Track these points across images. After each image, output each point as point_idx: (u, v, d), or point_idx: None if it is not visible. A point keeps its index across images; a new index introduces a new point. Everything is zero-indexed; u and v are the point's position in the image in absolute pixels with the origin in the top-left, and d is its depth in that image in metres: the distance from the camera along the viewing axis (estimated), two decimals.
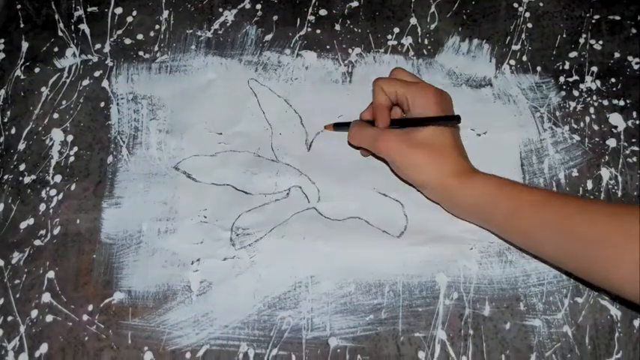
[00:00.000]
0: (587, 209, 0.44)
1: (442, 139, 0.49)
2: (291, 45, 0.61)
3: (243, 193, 0.55)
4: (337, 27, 0.62)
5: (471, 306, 0.50)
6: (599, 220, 0.43)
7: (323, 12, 0.63)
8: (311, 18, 0.63)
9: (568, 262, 0.46)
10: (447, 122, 0.50)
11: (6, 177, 0.55)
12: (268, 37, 0.62)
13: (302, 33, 0.62)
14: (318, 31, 0.62)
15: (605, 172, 0.55)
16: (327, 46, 0.61)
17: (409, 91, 0.51)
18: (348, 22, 0.63)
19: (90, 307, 0.50)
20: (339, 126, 0.56)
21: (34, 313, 0.50)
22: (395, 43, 0.61)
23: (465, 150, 0.52)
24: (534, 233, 0.46)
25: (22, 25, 0.63)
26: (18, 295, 0.51)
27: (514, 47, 0.61)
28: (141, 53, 0.61)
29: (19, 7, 0.64)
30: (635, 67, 0.60)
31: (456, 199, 0.50)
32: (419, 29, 0.62)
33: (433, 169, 0.49)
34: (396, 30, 0.62)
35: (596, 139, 0.57)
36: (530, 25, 0.62)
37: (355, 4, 0.64)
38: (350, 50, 0.61)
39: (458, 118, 0.49)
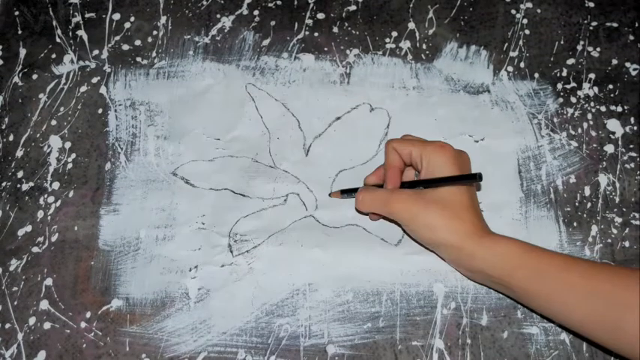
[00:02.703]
0: (616, 271, 0.43)
1: (457, 199, 0.47)
2: (289, 49, 0.61)
3: (240, 196, 0.55)
4: (335, 29, 0.62)
5: (468, 315, 0.50)
6: (629, 282, 0.41)
7: (321, 15, 0.63)
8: (309, 22, 0.63)
9: (593, 326, 0.43)
10: (467, 182, 0.47)
11: (4, 184, 0.55)
12: (266, 42, 0.62)
13: (300, 37, 0.62)
14: (316, 34, 0.62)
15: (602, 179, 0.55)
16: (325, 49, 0.61)
17: (425, 151, 0.48)
18: (346, 24, 0.62)
19: (88, 315, 0.50)
20: (346, 192, 0.54)
21: (32, 320, 0.50)
22: (393, 46, 0.61)
23: (480, 210, 0.49)
24: (559, 296, 0.43)
25: (19, 32, 0.62)
26: (16, 303, 0.51)
27: (512, 54, 0.61)
28: (139, 59, 0.61)
29: (16, 13, 0.63)
30: (633, 73, 0.60)
31: (474, 260, 0.47)
32: (417, 34, 0.62)
33: (447, 230, 0.46)
34: (394, 34, 0.62)
35: (594, 146, 0.57)
36: (527, 32, 0.62)
37: (353, 7, 0.63)
38: (348, 52, 0.61)
39: (478, 177, 0.45)
